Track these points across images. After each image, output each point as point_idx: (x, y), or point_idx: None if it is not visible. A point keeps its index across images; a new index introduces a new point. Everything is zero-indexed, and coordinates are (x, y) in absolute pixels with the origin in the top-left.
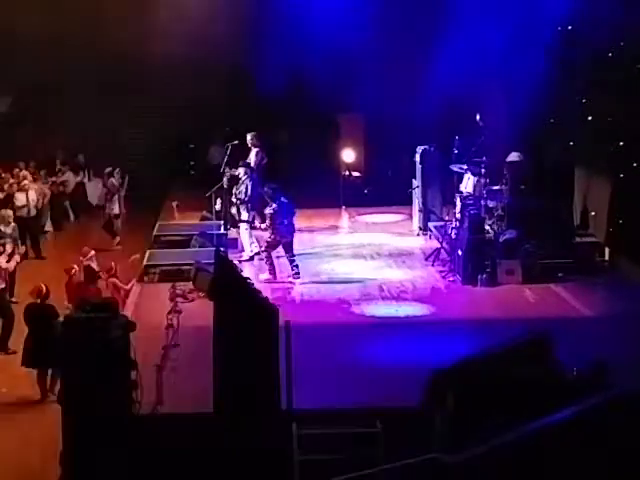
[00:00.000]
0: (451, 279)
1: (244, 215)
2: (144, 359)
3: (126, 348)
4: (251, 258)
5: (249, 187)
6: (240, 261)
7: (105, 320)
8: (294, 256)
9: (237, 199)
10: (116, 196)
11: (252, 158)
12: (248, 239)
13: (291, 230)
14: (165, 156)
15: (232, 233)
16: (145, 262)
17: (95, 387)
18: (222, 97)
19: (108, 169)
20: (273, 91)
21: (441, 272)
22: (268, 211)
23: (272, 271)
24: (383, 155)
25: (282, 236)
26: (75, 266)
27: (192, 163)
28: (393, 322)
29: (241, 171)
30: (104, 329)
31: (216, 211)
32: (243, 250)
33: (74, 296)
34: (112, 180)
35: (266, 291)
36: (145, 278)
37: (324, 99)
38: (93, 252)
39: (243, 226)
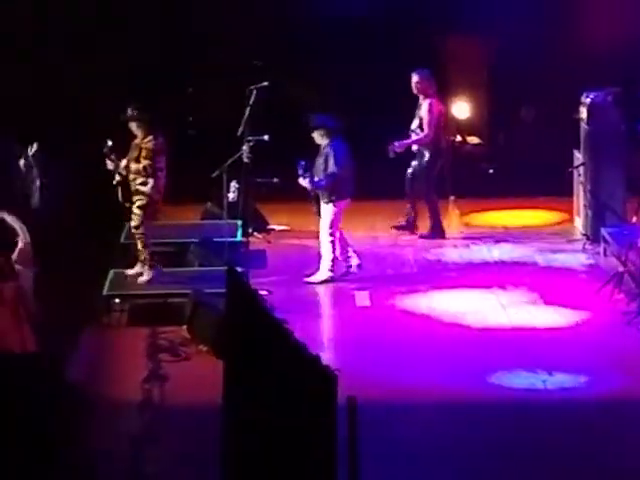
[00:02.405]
0: None
1: (327, 208)
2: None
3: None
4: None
5: (331, 160)
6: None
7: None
8: None
9: (310, 183)
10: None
11: (423, 113)
12: (330, 247)
13: None
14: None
15: (257, 240)
16: (106, 291)
17: None
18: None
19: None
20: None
21: (625, 314)
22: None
23: None
24: (521, 108)
25: None
26: None
27: (190, 119)
28: (541, 402)
29: (317, 135)
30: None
31: (229, 203)
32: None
33: None
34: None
35: (314, 341)
36: (105, 318)
37: (419, 13)
38: None
39: (324, 224)
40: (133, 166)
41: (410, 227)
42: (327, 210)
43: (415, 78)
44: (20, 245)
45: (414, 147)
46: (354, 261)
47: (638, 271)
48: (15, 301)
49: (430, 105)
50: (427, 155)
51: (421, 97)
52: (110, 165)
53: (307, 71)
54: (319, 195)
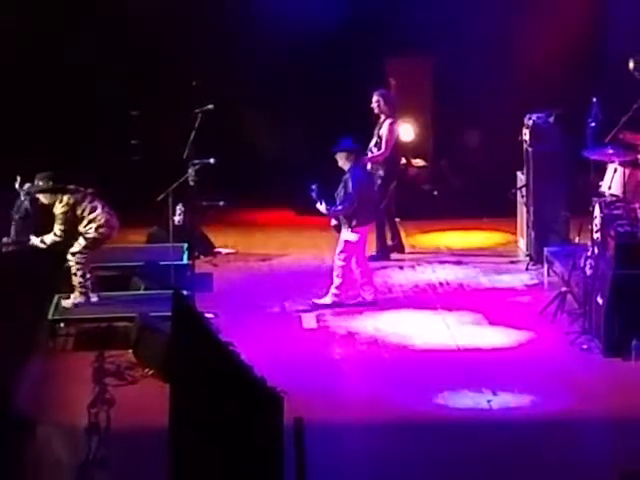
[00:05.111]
0: (585, 347)
1: (347, 234)
2: None
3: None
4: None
5: (349, 184)
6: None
7: None
8: None
9: (327, 209)
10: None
11: (383, 132)
12: (340, 272)
13: None
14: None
15: (203, 263)
16: (51, 315)
17: None
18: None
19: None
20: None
21: (567, 334)
22: None
23: None
24: (465, 130)
25: None
26: None
27: (134, 142)
28: (485, 421)
29: (341, 159)
30: None
31: (175, 226)
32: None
33: None
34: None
35: (260, 364)
36: (50, 343)
37: (364, 35)
38: None
39: (339, 248)
40: (64, 231)
41: (398, 248)
42: (346, 236)
43: (376, 97)
44: None
45: (368, 166)
46: (367, 296)
47: (581, 291)
48: None
49: (391, 125)
50: (381, 174)
51: (382, 117)
52: (38, 243)
53: (252, 92)
54: (340, 221)
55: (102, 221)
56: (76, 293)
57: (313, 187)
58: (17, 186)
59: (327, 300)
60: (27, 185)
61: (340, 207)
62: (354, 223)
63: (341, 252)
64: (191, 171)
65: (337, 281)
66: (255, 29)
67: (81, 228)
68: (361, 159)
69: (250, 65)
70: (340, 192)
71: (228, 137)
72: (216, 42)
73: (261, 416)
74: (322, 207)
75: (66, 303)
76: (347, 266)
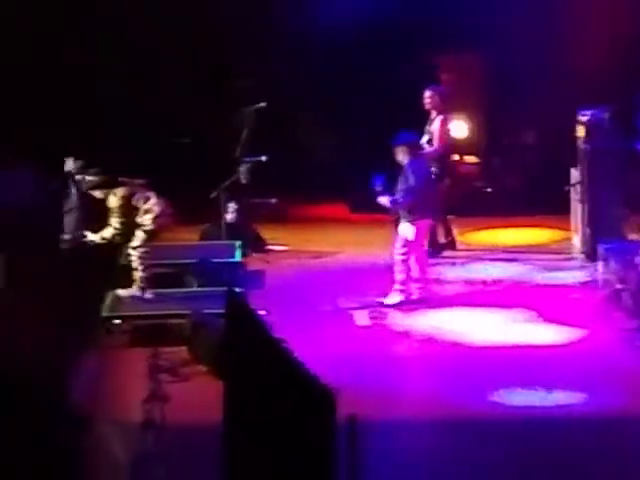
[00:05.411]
0: None
1: (405, 227)
2: None
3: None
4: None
5: (410, 178)
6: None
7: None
8: None
9: (390, 201)
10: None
11: (435, 128)
12: (402, 267)
13: None
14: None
15: (256, 260)
16: (107, 312)
17: None
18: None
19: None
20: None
21: (623, 331)
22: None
23: None
24: (518, 127)
25: None
26: None
27: (186, 141)
28: (539, 419)
29: (399, 153)
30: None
31: (228, 223)
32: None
33: None
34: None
35: (313, 361)
36: (105, 339)
37: (419, 32)
38: None
39: (398, 243)
40: (121, 224)
41: (451, 245)
42: (405, 229)
43: (428, 93)
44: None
45: None
46: (423, 292)
47: (636, 288)
48: None
49: (443, 121)
50: (433, 170)
51: (433, 113)
52: (97, 239)
53: (305, 90)
54: (400, 214)
55: (157, 211)
56: (135, 287)
57: (378, 180)
58: (69, 170)
59: (395, 298)
60: (78, 177)
61: (402, 200)
62: (414, 217)
63: (401, 247)
64: (243, 169)
65: (400, 277)
66: (309, 29)
67: (138, 220)
68: (419, 153)
69: (304, 63)
70: (400, 186)
71: (281, 134)
72: (266, 42)
73: (314, 414)
74: (385, 200)
75: (122, 294)
76: (407, 261)
